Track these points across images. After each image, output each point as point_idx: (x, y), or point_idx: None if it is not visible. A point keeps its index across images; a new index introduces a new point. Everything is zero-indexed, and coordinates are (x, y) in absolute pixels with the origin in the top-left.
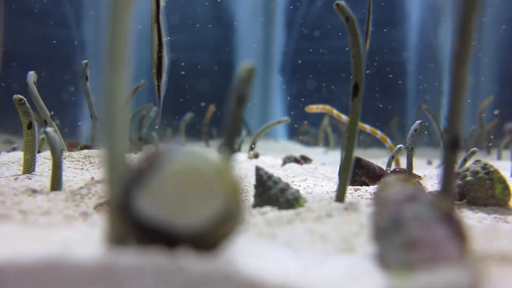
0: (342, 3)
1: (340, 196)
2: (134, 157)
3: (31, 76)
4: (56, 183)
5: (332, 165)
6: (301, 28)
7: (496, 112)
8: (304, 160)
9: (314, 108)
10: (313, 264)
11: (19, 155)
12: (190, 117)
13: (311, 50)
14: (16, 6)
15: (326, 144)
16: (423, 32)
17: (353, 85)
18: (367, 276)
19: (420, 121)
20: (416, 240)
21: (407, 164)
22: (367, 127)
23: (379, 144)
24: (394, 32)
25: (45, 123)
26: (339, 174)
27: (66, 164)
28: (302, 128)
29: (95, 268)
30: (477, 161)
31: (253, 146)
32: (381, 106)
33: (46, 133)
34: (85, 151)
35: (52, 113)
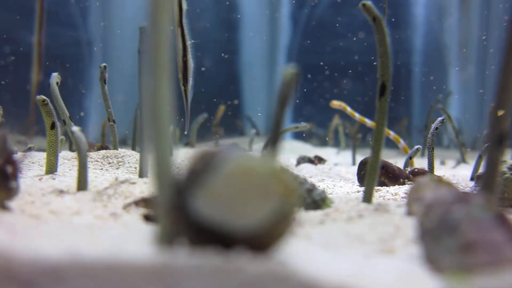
0: (369, 3)
1: (367, 196)
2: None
3: (55, 77)
4: (82, 184)
5: (346, 166)
6: (307, 27)
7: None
8: (319, 160)
9: (337, 104)
10: (363, 266)
11: (37, 155)
12: (204, 118)
13: (317, 50)
14: (17, 6)
15: (336, 144)
16: (429, 33)
17: (380, 84)
18: (420, 279)
19: (442, 118)
20: (473, 242)
21: (428, 164)
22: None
23: (386, 144)
24: (400, 32)
25: (63, 123)
26: (366, 175)
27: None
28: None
29: (153, 268)
30: (503, 162)
31: (266, 146)
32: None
33: (72, 132)
34: (103, 152)
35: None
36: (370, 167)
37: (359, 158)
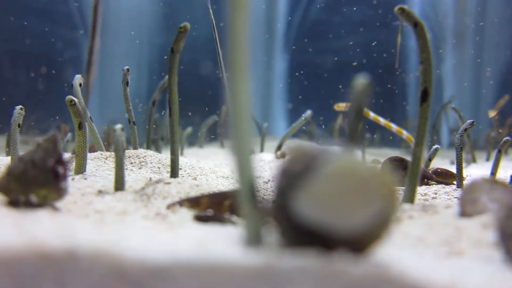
0: (407, 8)
1: (410, 197)
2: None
3: (78, 78)
4: (120, 183)
5: None
6: (301, 29)
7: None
8: None
9: (344, 106)
10: (458, 269)
11: None
12: (214, 120)
13: (310, 49)
14: (20, 5)
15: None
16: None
17: (422, 90)
18: None
19: (472, 120)
20: None
21: (456, 164)
22: (394, 127)
23: (390, 144)
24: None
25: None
26: (407, 176)
27: (109, 164)
28: (310, 129)
29: (256, 269)
30: None
31: (280, 146)
32: (404, 104)
33: (114, 130)
34: (125, 152)
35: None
36: (411, 171)
37: (368, 158)
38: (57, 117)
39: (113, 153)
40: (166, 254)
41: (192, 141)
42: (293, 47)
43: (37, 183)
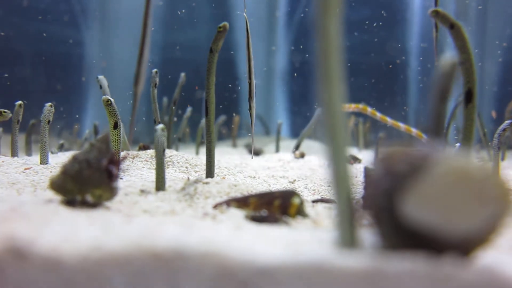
0: (442, 10)
1: None
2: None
3: (103, 79)
4: (161, 183)
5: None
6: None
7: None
8: (354, 160)
9: (352, 107)
10: None
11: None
12: (223, 120)
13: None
14: (21, 4)
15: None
16: (425, 31)
17: (465, 91)
18: None
19: (510, 120)
20: None
21: (493, 164)
22: (402, 125)
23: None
24: (396, 29)
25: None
26: None
27: (137, 164)
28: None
29: (364, 272)
30: None
31: (298, 146)
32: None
33: (155, 130)
34: (151, 151)
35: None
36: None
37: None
38: (64, 116)
39: (139, 152)
40: (267, 255)
41: (202, 140)
42: (292, 48)
43: (92, 183)
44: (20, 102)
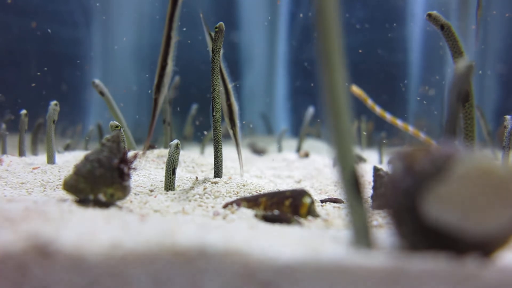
0: (435, 13)
1: None
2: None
3: (100, 84)
4: (170, 184)
5: (382, 166)
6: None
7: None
8: (359, 159)
9: (357, 92)
10: None
11: (81, 154)
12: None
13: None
14: (22, 4)
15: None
16: (427, 31)
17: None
18: None
19: None
20: None
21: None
22: (410, 129)
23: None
24: (398, 29)
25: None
26: None
27: (143, 163)
28: (316, 128)
29: (385, 271)
30: None
31: (300, 146)
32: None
33: (169, 146)
34: (157, 151)
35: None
36: None
37: (386, 158)
38: (68, 115)
39: (146, 152)
40: (288, 255)
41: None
42: (294, 44)
43: (104, 182)
44: (24, 111)
